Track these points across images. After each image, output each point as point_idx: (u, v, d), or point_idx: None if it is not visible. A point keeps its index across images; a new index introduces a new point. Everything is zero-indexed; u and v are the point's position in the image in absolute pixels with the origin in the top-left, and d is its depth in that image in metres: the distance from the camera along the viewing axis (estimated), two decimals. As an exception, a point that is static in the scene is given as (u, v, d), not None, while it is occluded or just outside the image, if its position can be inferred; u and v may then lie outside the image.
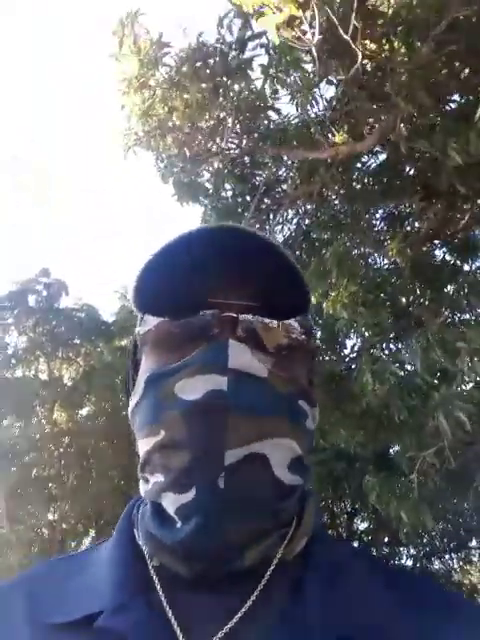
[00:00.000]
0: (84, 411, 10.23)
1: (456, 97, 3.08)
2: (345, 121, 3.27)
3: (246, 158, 4.32)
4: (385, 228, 4.73)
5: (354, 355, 4.06)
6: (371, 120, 3.17)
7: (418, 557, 5.94)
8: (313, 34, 2.23)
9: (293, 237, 4.76)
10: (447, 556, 6.20)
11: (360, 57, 2.66)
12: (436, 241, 3.98)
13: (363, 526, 6.45)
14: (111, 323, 9.59)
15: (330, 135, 3.39)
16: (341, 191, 3.72)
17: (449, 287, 3.71)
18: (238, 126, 3.53)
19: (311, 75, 2.61)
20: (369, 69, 3.20)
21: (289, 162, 3.96)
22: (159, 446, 0.47)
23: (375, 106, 3.06)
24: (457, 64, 2.97)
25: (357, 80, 3.02)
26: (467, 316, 3.78)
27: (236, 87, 2.95)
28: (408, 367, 3.39)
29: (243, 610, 0.43)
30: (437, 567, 6.14)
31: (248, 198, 4.53)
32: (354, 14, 2.66)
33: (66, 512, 11.39)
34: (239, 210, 4.56)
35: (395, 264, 4.31)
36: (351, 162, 3.53)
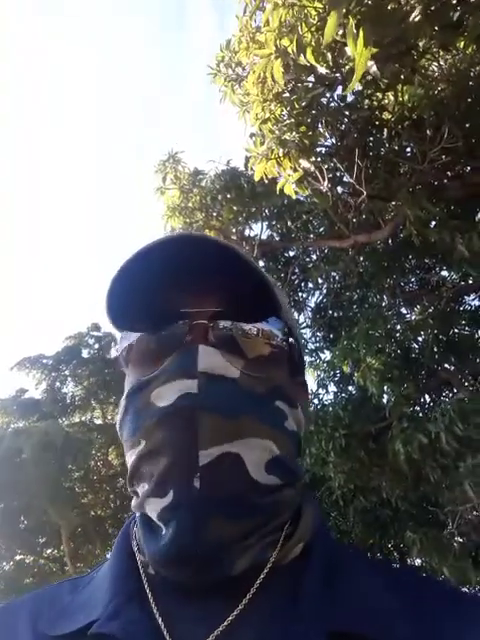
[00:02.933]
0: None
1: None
2: (363, 216, 3.68)
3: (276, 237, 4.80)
4: (416, 287, 5.03)
5: (388, 414, 4.33)
6: (387, 215, 3.56)
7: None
8: (325, 181, 2.67)
9: (324, 302, 5.15)
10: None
11: (363, 171, 3.06)
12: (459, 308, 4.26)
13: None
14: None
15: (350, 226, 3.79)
16: (360, 270, 4.10)
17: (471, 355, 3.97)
18: (267, 222, 4.00)
19: (328, 193, 3.04)
20: (380, 170, 3.61)
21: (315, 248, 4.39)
22: (141, 456, 0.47)
23: (390, 203, 3.45)
24: (458, 165, 3.33)
25: (368, 180, 3.43)
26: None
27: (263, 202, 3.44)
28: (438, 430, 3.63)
29: (234, 614, 0.43)
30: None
31: (280, 271, 4.98)
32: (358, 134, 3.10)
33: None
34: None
35: (424, 325, 4.58)
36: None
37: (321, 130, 3.09)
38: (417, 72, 3.58)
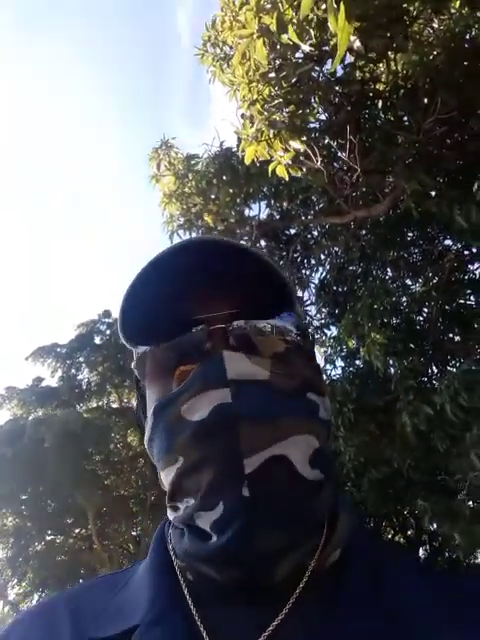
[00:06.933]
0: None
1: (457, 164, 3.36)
2: (361, 190, 3.64)
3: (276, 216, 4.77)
4: (419, 258, 4.99)
5: (394, 387, 4.36)
6: (385, 188, 3.52)
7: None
8: (317, 160, 2.64)
9: (327, 279, 5.14)
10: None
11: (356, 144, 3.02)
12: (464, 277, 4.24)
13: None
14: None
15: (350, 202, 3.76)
16: (362, 243, 4.08)
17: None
18: (265, 201, 3.97)
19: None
20: (377, 142, 3.55)
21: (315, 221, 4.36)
22: (181, 472, 0.46)
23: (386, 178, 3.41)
24: (456, 134, 3.26)
25: (364, 154, 3.38)
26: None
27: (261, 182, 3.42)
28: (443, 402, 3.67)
29: (275, 623, 0.42)
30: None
31: (282, 249, 4.98)
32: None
33: (148, 528, 12.34)
34: (274, 258, 5.04)
35: (428, 296, 4.56)
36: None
37: (314, 105, 3.04)
38: (410, 38, 3.48)
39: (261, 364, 0.47)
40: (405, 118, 3.81)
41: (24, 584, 12.06)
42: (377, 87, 3.58)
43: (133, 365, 0.53)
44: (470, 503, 4.31)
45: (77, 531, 13.04)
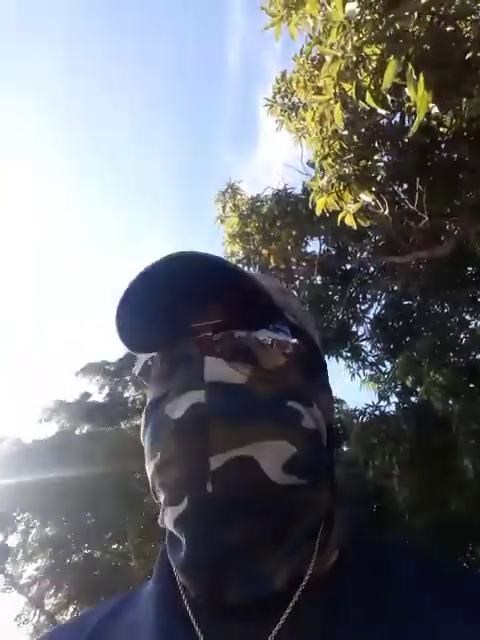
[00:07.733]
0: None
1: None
2: (423, 230, 3.64)
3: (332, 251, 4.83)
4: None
5: (454, 428, 4.24)
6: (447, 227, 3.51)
7: None
8: (385, 209, 2.69)
9: (383, 314, 5.12)
10: None
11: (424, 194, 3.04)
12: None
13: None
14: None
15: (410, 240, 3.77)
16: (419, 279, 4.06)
17: None
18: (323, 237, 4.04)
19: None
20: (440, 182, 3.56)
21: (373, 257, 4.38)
22: (157, 467, 0.48)
23: (448, 220, 3.41)
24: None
25: (429, 198, 3.39)
26: None
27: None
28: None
29: (274, 631, 0.43)
30: None
31: (337, 284, 5.01)
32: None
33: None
34: (329, 293, 5.07)
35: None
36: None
37: (380, 152, 3.09)
38: (476, 82, 3.49)
39: (239, 369, 0.48)
40: (467, 159, 3.81)
41: (60, 595, 12.20)
42: (441, 130, 3.61)
43: (137, 372, 0.55)
44: None
45: (114, 547, 13.13)
